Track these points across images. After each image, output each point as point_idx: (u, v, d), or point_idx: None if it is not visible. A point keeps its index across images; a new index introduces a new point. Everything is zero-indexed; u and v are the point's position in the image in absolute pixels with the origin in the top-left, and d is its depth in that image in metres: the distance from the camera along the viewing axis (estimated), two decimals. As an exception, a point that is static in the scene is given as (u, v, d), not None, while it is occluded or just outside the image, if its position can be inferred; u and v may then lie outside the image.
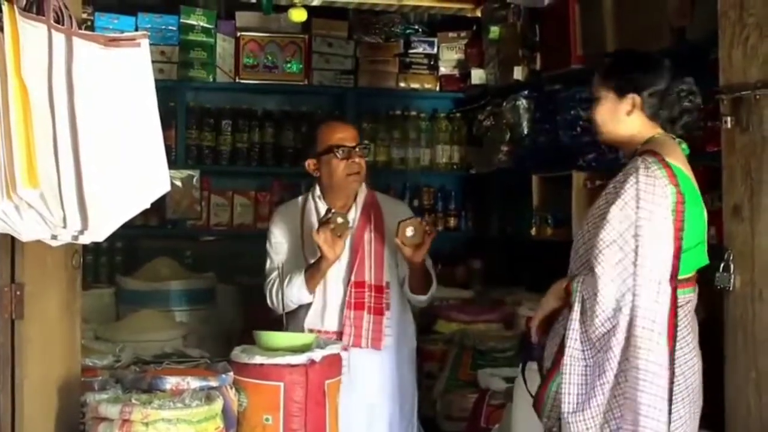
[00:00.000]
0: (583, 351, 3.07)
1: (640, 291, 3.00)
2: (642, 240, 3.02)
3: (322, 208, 4.11)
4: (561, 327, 3.17)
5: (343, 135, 4.11)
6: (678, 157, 3.19)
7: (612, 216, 3.05)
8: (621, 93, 3.24)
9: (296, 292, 4.02)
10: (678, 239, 3.07)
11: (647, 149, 3.18)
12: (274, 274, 4.11)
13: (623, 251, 3.02)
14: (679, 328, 3.06)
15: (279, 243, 4.18)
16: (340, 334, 3.97)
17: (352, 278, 4.03)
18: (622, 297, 3.01)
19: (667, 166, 3.10)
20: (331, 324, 4.02)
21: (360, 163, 4.09)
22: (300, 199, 4.28)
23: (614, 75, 3.28)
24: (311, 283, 4.01)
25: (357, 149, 4.09)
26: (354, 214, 4.10)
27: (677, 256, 3.06)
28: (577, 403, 3.05)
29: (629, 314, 3.00)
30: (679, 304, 3.08)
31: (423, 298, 4.18)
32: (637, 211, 3.04)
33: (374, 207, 4.14)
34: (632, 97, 3.23)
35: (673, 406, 2.99)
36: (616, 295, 3.02)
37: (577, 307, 3.08)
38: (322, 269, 3.97)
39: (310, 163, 4.14)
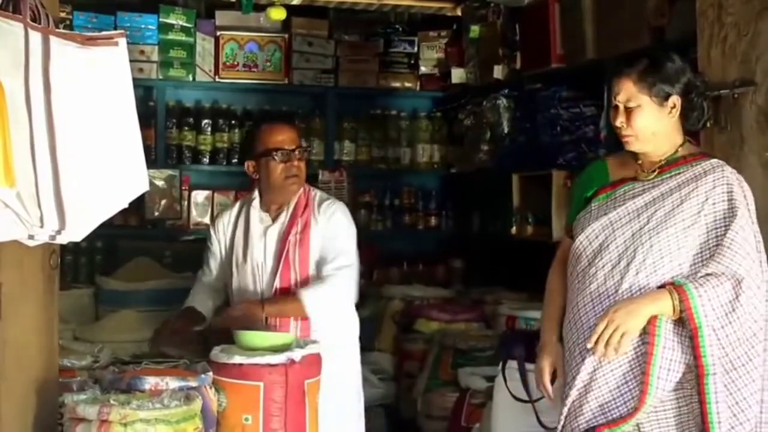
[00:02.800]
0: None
1: None
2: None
3: (254, 215, 4.03)
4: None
5: (283, 137, 4.00)
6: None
7: (741, 225, 2.95)
8: (665, 97, 3.03)
9: None
10: None
11: (704, 153, 3.13)
12: (197, 284, 4.22)
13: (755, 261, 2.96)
14: None
15: (213, 252, 4.17)
16: None
17: (276, 284, 3.93)
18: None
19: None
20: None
21: (299, 167, 3.99)
22: (239, 203, 4.19)
23: (658, 78, 3.04)
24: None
25: (296, 152, 3.99)
26: (284, 218, 4.00)
27: None
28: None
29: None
30: None
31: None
32: (752, 223, 2.99)
33: (306, 208, 4.01)
34: (673, 100, 3.04)
35: None
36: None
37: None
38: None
39: (249, 165, 4.05)
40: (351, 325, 4.11)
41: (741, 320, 2.89)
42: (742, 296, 2.89)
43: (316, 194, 4.08)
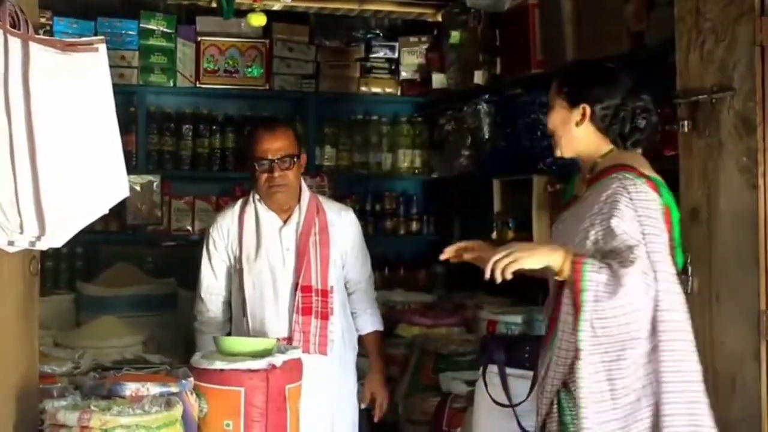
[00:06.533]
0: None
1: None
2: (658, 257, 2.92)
3: (261, 210, 4.05)
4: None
5: (266, 146, 3.96)
6: (647, 166, 3.08)
7: (620, 229, 2.92)
8: (573, 103, 3.12)
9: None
10: (672, 248, 3.01)
11: (618, 164, 3.06)
12: (203, 312, 4.15)
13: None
14: None
15: (217, 257, 4.12)
16: (287, 340, 3.89)
17: (300, 282, 3.96)
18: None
19: (647, 179, 3.00)
20: (281, 330, 3.94)
21: (281, 176, 3.96)
22: (239, 202, 4.18)
23: (568, 84, 3.17)
24: None
25: (279, 162, 3.95)
26: (298, 218, 4.04)
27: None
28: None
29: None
30: None
31: None
32: (642, 229, 2.92)
33: (319, 211, 4.07)
34: (583, 107, 3.10)
35: None
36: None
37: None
38: None
39: (250, 171, 4.09)
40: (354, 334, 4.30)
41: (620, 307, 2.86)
42: (625, 279, 2.83)
43: (320, 197, 4.19)
